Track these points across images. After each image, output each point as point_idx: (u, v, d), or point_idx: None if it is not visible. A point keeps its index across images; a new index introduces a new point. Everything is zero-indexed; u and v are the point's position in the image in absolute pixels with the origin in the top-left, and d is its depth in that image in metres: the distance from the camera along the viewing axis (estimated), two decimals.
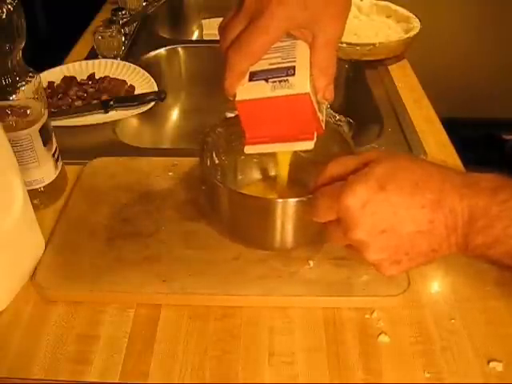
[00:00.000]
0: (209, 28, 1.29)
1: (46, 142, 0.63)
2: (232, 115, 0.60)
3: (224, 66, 0.49)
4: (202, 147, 0.60)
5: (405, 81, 0.98)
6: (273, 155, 0.60)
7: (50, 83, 0.92)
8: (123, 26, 1.08)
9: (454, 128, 0.86)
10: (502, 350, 0.51)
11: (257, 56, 0.48)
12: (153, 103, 0.89)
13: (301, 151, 0.60)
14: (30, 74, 0.60)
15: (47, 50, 1.16)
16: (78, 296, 0.56)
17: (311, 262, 0.58)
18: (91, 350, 0.51)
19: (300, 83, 0.48)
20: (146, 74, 0.96)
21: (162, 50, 1.11)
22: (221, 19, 0.52)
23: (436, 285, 0.59)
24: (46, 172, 0.65)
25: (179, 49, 1.12)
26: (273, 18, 0.46)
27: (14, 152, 0.54)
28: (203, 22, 1.33)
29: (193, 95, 1.13)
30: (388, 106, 0.89)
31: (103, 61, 1.00)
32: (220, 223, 0.61)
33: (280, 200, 0.54)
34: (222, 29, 0.50)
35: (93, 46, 1.05)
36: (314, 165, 0.63)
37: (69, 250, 0.60)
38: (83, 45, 1.11)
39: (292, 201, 0.53)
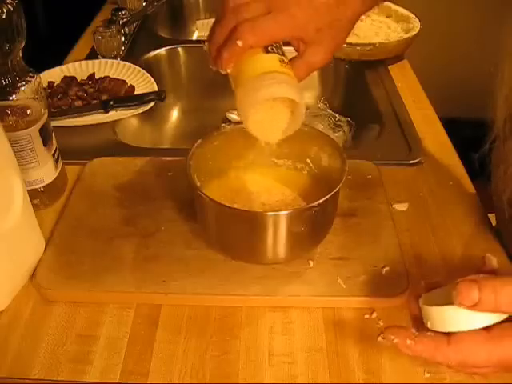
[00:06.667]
0: (202, 30, 1.28)
1: (46, 142, 0.63)
2: (232, 115, 0.59)
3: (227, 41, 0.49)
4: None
5: (405, 81, 0.98)
6: None
7: (50, 83, 0.92)
8: (123, 25, 1.08)
9: (454, 128, 0.86)
10: None
11: (269, 38, 0.50)
12: (153, 103, 0.89)
13: None
14: (30, 74, 0.60)
15: (47, 50, 1.17)
16: (77, 296, 0.56)
17: (311, 262, 0.58)
18: (91, 350, 0.51)
19: None
20: (146, 74, 0.96)
21: (162, 50, 1.11)
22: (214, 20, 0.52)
23: (436, 285, 0.58)
24: (46, 172, 0.65)
25: (179, 49, 1.12)
26: (293, 18, 0.50)
27: (14, 152, 0.54)
28: (197, 22, 1.32)
29: (193, 95, 1.13)
30: (388, 106, 0.89)
31: (103, 61, 1.00)
32: (209, 237, 0.60)
33: (271, 213, 0.53)
34: (237, 7, 0.50)
35: (93, 46, 1.05)
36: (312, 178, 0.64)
37: (69, 250, 0.60)
38: (83, 45, 1.11)
39: (283, 213, 0.53)
